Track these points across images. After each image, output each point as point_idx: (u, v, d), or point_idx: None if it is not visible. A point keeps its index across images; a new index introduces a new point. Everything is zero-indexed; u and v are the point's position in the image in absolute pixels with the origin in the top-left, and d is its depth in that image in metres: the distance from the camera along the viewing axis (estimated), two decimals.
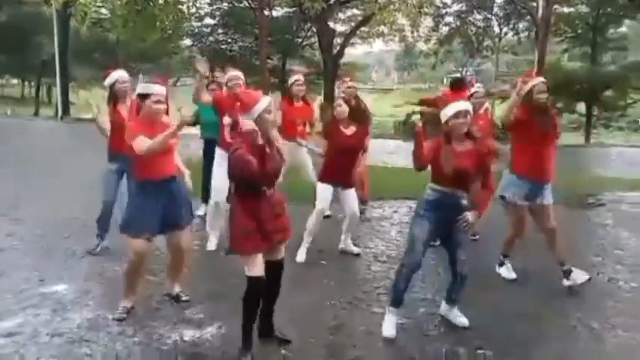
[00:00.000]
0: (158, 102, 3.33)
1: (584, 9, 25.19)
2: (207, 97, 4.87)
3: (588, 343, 3.36)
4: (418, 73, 58.38)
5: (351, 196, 4.71)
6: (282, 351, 3.11)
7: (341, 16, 25.24)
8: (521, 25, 26.22)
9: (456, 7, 25.71)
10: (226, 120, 4.50)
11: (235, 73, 4.65)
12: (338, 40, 23.50)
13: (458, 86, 5.00)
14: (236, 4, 25.48)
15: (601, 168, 11.52)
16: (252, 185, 2.91)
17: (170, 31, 17.46)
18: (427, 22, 24.28)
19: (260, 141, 2.92)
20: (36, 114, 29.46)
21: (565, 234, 4.28)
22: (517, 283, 4.29)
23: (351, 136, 4.60)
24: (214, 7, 25.89)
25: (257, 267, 2.94)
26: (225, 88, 4.75)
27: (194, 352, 3.12)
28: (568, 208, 6.58)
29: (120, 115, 4.33)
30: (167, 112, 3.45)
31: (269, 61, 23.06)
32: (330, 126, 4.72)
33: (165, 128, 3.30)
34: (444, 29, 26.23)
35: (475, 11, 26.08)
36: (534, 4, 19.67)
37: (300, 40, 27.93)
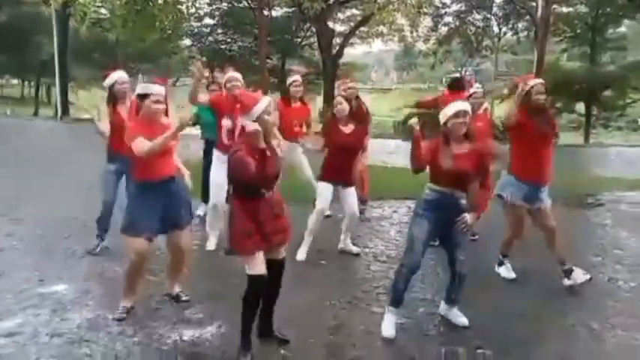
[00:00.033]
0: (157, 102, 3.34)
1: (583, 9, 25.15)
2: (203, 98, 4.87)
3: (588, 343, 3.37)
4: (417, 73, 58.29)
5: (351, 194, 4.72)
6: (282, 351, 3.12)
7: (340, 16, 25.24)
8: (520, 25, 26.19)
9: (455, 7, 25.67)
10: (226, 122, 4.50)
11: (233, 75, 4.63)
12: (337, 40, 23.49)
13: (456, 87, 5.00)
14: (235, 4, 25.45)
15: (600, 168, 11.50)
16: (251, 188, 2.91)
17: (169, 31, 17.47)
18: (426, 22, 24.29)
19: (261, 143, 2.92)
20: (35, 114, 29.38)
21: (564, 234, 4.28)
22: (516, 283, 4.29)
23: (349, 134, 4.60)
24: (214, 7, 25.84)
25: (258, 265, 2.94)
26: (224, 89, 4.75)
27: (194, 351, 3.12)
28: (567, 208, 6.58)
29: (119, 116, 4.33)
30: (167, 113, 3.46)
31: (268, 61, 23.06)
32: (328, 124, 4.72)
33: (165, 129, 3.30)
34: (443, 29, 26.19)
35: (474, 11, 26.04)
36: (533, 4, 19.67)
37: (299, 40, 27.90)
